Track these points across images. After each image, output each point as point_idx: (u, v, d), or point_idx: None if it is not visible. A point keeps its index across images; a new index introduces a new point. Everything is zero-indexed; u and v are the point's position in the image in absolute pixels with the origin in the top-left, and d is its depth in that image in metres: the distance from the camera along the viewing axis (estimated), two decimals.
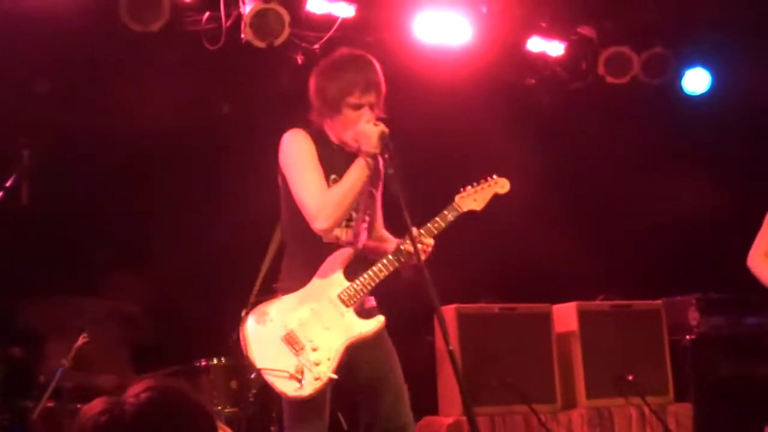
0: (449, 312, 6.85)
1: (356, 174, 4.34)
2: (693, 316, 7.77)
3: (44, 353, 6.10)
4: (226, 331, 6.86)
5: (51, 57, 6.96)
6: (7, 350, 6.18)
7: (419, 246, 4.28)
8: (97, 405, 2.00)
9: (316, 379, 4.28)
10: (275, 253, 4.67)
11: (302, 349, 4.31)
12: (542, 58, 8.42)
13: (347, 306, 4.40)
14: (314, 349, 4.31)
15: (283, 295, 4.47)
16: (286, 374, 4.25)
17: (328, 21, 7.47)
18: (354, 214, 4.49)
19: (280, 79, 7.74)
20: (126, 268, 6.99)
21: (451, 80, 7.87)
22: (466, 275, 7.45)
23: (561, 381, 7.24)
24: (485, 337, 7.01)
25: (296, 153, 4.47)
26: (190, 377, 6.27)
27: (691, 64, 8.71)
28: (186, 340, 6.97)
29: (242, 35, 7.14)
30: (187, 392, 2.09)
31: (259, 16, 7.09)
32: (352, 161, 4.40)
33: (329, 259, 4.43)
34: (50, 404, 5.74)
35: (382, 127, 4.32)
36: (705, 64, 8.72)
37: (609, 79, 8.42)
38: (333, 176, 4.43)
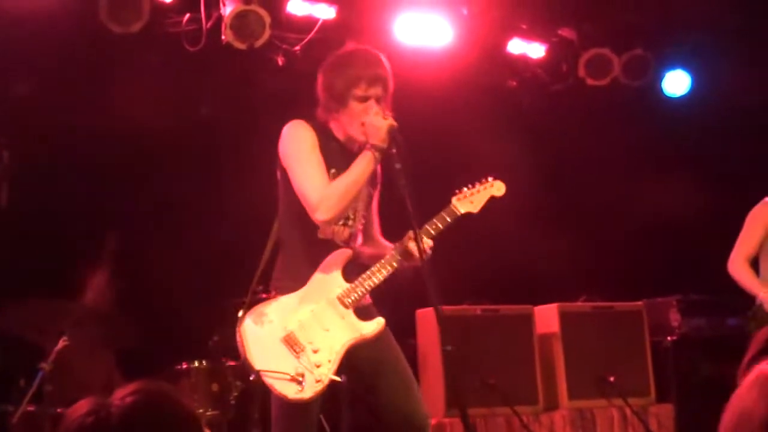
0: (431, 313, 6.84)
1: (362, 166, 4.29)
2: (674, 318, 7.80)
3: (24, 356, 6.06)
4: (207, 334, 6.85)
5: (30, 58, 6.92)
6: None
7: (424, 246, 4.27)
8: (82, 406, 1.98)
9: (317, 381, 4.22)
10: (271, 251, 4.58)
11: (302, 350, 4.25)
12: (523, 60, 8.43)
13: (347, 307, 4.35)
14: (315, 351, 4.26)
15: (280, 294, 4.41)
16: (287, 376, 4.19)
17: (308, 22, 7.46)
18: (351, 215, 4.45)
19: (261, 80, 7.73)
20: (106, 270, 6.96)
21: (431, 82, 7.86)
22: (449, 277, 7.43)
23: (543, 382, 7.25)
24: (467, 338, 7.01)
25: (298, 143, 4.41)
26: (171, 380, 6.24)
27: (672, 66, 8.74)
28: (167, 342, 6.94)
29: (223, 37, 7.12)
30: (174, 396, 2.06)
31: (239, 17, 7.07)
32: (350, 157, 4.37)
33: (328, 259, 4.38)
34: (30, 408, 5.70)
35: (391, 120, 4.28)
36: (685, 66, 8.75)
37: (589, 81, 8.44)
38: (333, 170, 4.36)
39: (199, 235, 7.52)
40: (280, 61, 7.51)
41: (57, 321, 5.66)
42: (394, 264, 4.38)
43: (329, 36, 7.57)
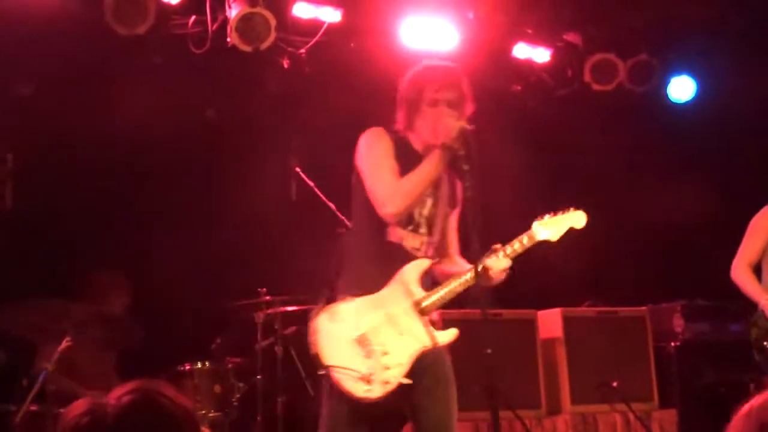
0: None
1: (430, 165, 4.36)
2: (678, 323, 7.79)
3: (27, 357, 6.08)
4: (210, 336, 6.87)
5: (36, 60, 6.94)
6: None
7: (499, 266, 4.36)
8: (79, 406, 1.98)
9: (386, 383, 4.25)
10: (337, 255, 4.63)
11: (373, 352, 4.28)
12: (528, 65, 8.42)
13: (422, 315, 4.39)
14: (385, 354, 4.29)
15: (348, 295, 4.43)
16: (357, 374, 4.23)
17: (314, 25, 7.45)
18: (422, 223, 4.50)
19: (266, 83, 7.74)
20: (109, 272, 6.97)
21: None
22: None
23: (546, 387, 7.24)
24: (470, 342, 6.99)
25: (373, 147, 4.50)
26: (174, 381, 6.25)
27: (677, 71, 8.73)
28: (170, 344, 6.96)
29: (228, 39, 7.12)
30: (172, 395, 2.06)
31: (245, 20, 7.07)
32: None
33: (407, 267, 4.42)
34: (33, 408, 5.71)
35: (464, 123, 4.32)
36: (690, 72, 8.74)
37: (595, 86, 8.42)
38: (406, 176, 4.42)
39: (203, 237, 7.53)
40: (286, 63, 7.51)
41: (60, 322, 5.67)
42: (473, 281, 4.38)
43: (335, 39, 7.58)
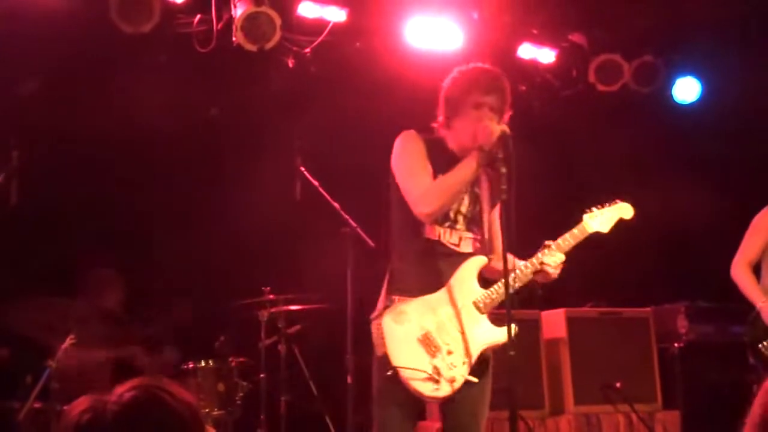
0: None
1: (467, 166, 4.39)
2: (682, 324, 7.78)
3: (31, 354, 6.08)
4: (214, 334, 6.88)
5: (41, 58, 6.94)
6: None
7: (555, 261, 4.50)
8: (81, 403, 1.98)
9: (452, 381, 4.29)
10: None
11: (438, 351, 4.32)
12: (533, 65, 8.43)
13: (482, 312, 4.44)
14: (450, 353, 4.32)
15: (396, 296, 4.45)
16: (425, 374, 4.25)
17: (319, 25, 7.46)
18: (458, 219, 4.53)
19: (271, 82, 7.74)
20: (114, 270, 6.99)
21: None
22: None
23: (549, 387, 7.24)
24: None
25: (406, 150, 4.55)
26: (178, 379, 6.25)
27: (682, 72, 8.73)
28: (174, 342, 6.97)
29: (233, 38, 7.12)
30: (175, 392, 2.05)
31: (250, 19, 7.07)
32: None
33: (464, 265, 4.47)
34: (37, 405, 5.72)
35: (504, 127, 4.37)
36: (695, 73, 8.74)
37: (600, 87, 8.43)
38: (440, 176, 4.47)
39: (206, 235, 7.54)
40: (291, 63, 7.52)
41: (64, 319, 5.68)
42: (530, 276, 4.49)
43: (340, 39, 7.59)
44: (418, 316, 4.37)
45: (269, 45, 7.16)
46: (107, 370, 6.70)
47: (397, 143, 4.58)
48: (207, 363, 6.63)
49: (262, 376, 6.81)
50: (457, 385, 4.30)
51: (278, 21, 7.12)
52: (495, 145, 4.31)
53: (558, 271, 4.54)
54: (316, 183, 6.76)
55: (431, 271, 4.46)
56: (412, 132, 4.60)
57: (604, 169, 8.56)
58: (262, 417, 6.77)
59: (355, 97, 7.57)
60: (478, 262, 4.52)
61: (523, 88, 8.56)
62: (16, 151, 5.87)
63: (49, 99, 7.11)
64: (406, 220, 4.48)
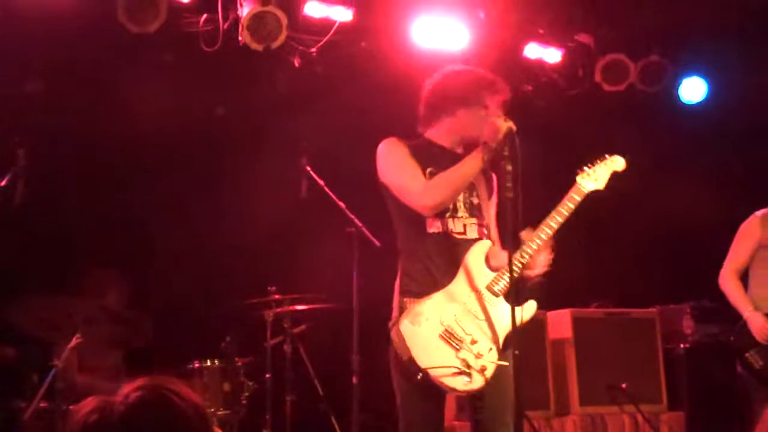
0: None
1: (470, 163, 4.40)
2: (687, 325, 7.78)
3: (38, 353, 6.08)
4: (220, 334, 6.88)
5: (48, 57, 6.95)
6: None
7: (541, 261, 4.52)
8: (88, 404, 1.98)
9: (483, 370, 4.29)
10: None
11: (462, 343, 4.31)
12: (539, 65, 8.42)
13: (497, 295, 4.43)
14: (474, 342, 4.32)
15: (413, 297, 4.44)
16: (455, 370, 4.25)
17: (325, 25, 7.45)
18: (460, 210, 4.52)
19: (277, 82, 7.74)
20: (120, 269, 6.99)
21: None
22: None
23: (555, 387, 7.24)
24: None
25: (392, 154, 4.55)
26: (183, 379, 6.25)
27: (688, 72, 8.72)
28: (179, 341, 6.97)
29: (239, 38, 7.12)
30: (181, 391, 2.05)
31: (256, 18, 7.07)
32: (452, 157, 4.50)
33: (470, 252, 4.46)
34: (43, 405, 5.72)
35: (511, 123, 4.37)
36: (702, 73, 8.73)
37: (606, 87, 8.42)
38: (430, 169, 4.48)
39: (212, 235, 7.54)
40: (297, 62, 7.51)
41: (70, 319, 5.68)
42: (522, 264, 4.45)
43: (346, 38, 7.58)
44: (435, 312, 4.35)
45: (275, 44, 7.16)
46: (114, 369, 6.71)
47: (380, 152, 4.57)
48: (213, 363, 6.63)
49: (267, 376, 6.80)
50: (489, 373, 4.29)
51: (284, 20, 7.12)
52: (501, 141, 4.31)
53: (552, 255, 4.54)
54: (321, 182, 6.75)
55: (444, 263, 4.45)
56: (393, 138, 4.59)
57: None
58: (267, 417, 6.77)
59: (361, 97, 7.56)
60: (484, 246, 4.51)
61: (530, 87, 8.55)
62: (21, 150, 5.86)
63: (55, 98, 7.11)
64: (409, 222, 4.49)
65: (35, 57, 6.95)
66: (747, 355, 6.25)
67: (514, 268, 4.35)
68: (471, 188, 4.59)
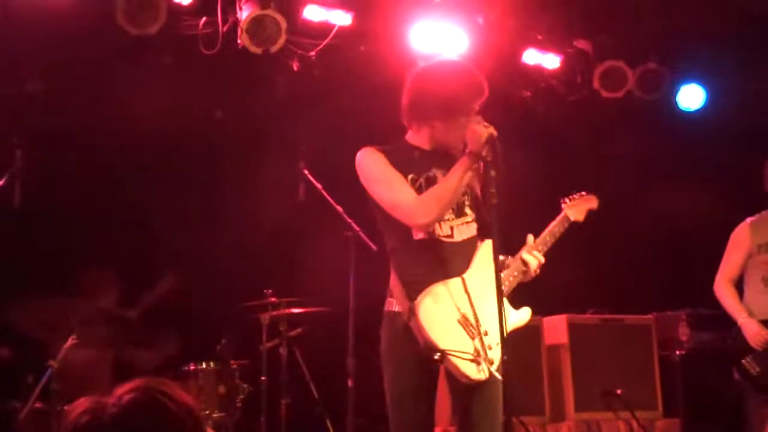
0: None
1: (458, 173, 4.35)
2: (683, 332, 7.78)
3: (33, 354, 6.09)
4: (216, 336, 6.88)
5: (46, 58, 6.96)
6: None
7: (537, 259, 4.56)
8: (80, 405, 1.98)
9: (491, 362, 4.28)
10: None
11: (477, 331, 4.30)
12: (538, 71, 8.43)
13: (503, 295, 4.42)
14: (485, 333, 4.31)
15: (401, 299, 4.40)
16: (469, 356, 4.23)
17: (324, 28, 7.47)
18: (449, 213, 4.47)
19: (276, 85, 7.75)
20: (117, 271, 6.98)
21: None
22: None
23: (550, 393, 7.24)
24: None
25: (372, 169, 4.47)
26: (179, 381, 6.26)
27: (686, 80, 8.73)
28: (175, 343, 6.96)
29: (239, 41, 7.13)
30: (174, 394, 2.04)
31: (255, 22, 7.08)
32: (432, 159, 4.47)
33: (482, 248, 4.46)
34: (38, 405, 5.72)
35: (492, 129, 4.33)
36: (700, 81, 8.74)
37: (604, 93, 8.44)
38: (411, 176, 4.44)
39: (209, 237, 7.54)
40: (296, 66, 7.52)
41: (66, 319, 5.68)
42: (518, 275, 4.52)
43: (345, 42, 7.60)
44: (454, 297, 4.32)
45: (274, 48, 7.17)
46: (108, 370, 6.71)
47: (360, 165, 4.50)
48: (208, 365, 6.64)
49: (263, 378, 6.80)
50: (495, 367, 4.27)
51: (283, 24, 7.13)
52: (483, 147, 4.28)
53: (538, 271, 4.55)
54: (319, 186, 6.76)
55: (432, 268, 4.39)
56: (368, 149, 4.51)
57: (608, 175, 8.55)
58: (262, 420, 6.76)
59: (359, 101, 7.57)
60: (487, 246, 4.47)
61: (528, 93, 8.57)
62: (19, 150, 5.87)
63: (54, 99, 7.12)
64: (396, 229, 4.43)
65: (35, 57, 6.95)
66: (743, 361, 6.26)
67: (511, 278, 4.42)
68: None
